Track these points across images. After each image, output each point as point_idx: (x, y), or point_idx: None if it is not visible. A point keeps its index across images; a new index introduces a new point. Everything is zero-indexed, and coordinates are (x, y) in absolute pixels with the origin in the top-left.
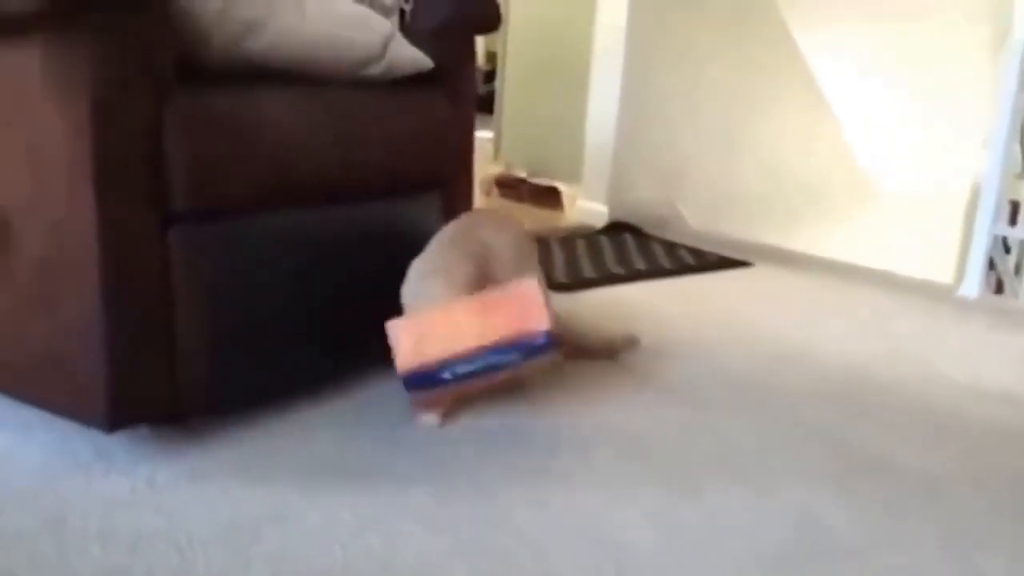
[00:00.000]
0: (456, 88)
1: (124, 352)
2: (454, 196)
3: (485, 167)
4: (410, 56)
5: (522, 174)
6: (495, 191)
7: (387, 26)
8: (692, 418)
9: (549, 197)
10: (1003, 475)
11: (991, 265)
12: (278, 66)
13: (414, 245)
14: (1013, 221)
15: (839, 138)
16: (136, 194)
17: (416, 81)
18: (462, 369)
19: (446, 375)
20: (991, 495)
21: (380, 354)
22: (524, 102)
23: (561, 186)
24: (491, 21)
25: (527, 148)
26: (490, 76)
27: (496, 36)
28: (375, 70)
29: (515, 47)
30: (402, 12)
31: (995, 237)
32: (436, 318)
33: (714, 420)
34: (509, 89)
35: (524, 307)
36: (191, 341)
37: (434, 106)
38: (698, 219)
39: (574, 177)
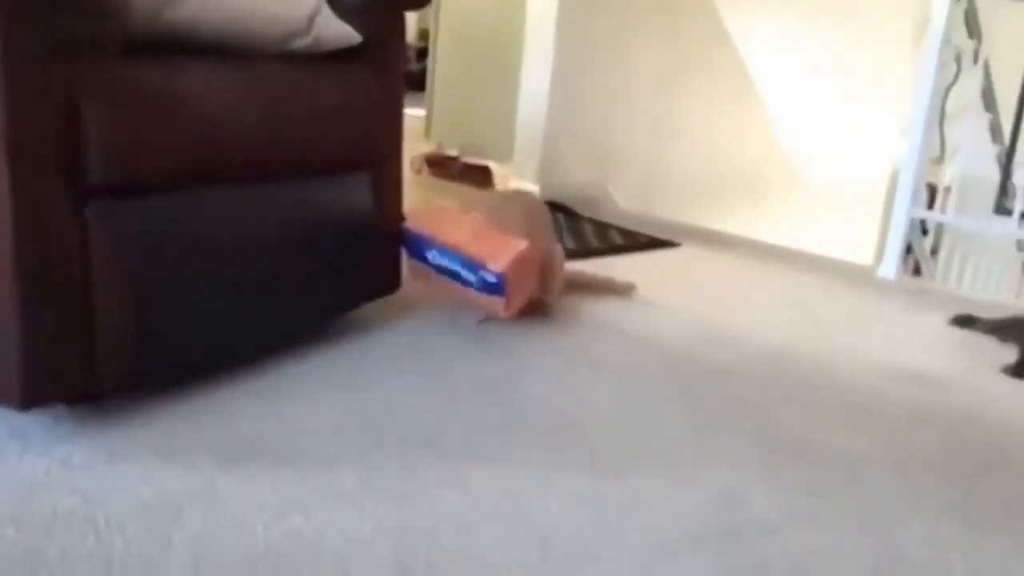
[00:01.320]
0: (384, 64)
1: (39, 329)
2: (384, 175)
3: (416, 145)
4: (337, 30)
5: (453, 153)
6: (426, 169)
7: (312, 0)
8: (618, 397)
9: (480, 176)
10: (922, 454)
11: (909, 248)
12: (201, 38)
13: (342, 224)
14: (931, 204)
15: (768, 125)
16: (52, 168)
17: (344, 57)
18: (439, 259)
19: (429, 255)
20: (911, 474)
21: (303, 333)
22: (456, 81)
23: (492, 165)
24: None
25: (458, 127)
26: (423, 54)
27: (428, 13)
28: (301, 43)
29: (448, 25)
30: None
31: (912, 220)
32: (449, 212)
33: (640, 399)
34: (441, 67)
35: (502, 249)
36: (110, 318)
37: (362, 82)
38: (628, 200)
39: (506, 157)
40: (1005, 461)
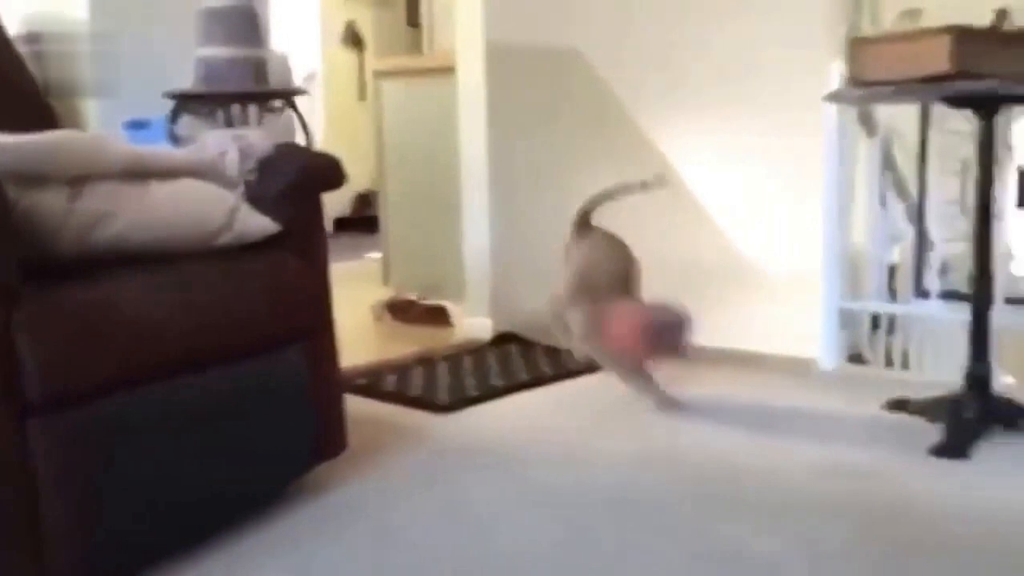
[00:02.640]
0: (307, 245)
1: None
2: (317, 345)
3: (376, 292)
4: (257, 224)
5: (412, 296)
6: (387, 315)
7: (231, 199)
8: (558, 528)
9: (439, 316)
10: (837, 552)
11: (849, 337)
12: (129, 250)
13: (281, 397)
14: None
15: (712, 229)
16: None
17: (268, 243)
18: None
19: None
20: (822, 570)
21: (255, 503)
22: (406, 225)
23: (449, 304)
24: (333, 181)
25: (414, 270)
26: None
27: (377, 162)
28: (225, 240)
29: (393, 174)
30: (247, 182)
31: (840, 310)
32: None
33: (573, 528)
34: (392, 213)
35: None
36: (58, 522)
37: (286, 265)
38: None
39: (461, 294)
40: (917, 548)
